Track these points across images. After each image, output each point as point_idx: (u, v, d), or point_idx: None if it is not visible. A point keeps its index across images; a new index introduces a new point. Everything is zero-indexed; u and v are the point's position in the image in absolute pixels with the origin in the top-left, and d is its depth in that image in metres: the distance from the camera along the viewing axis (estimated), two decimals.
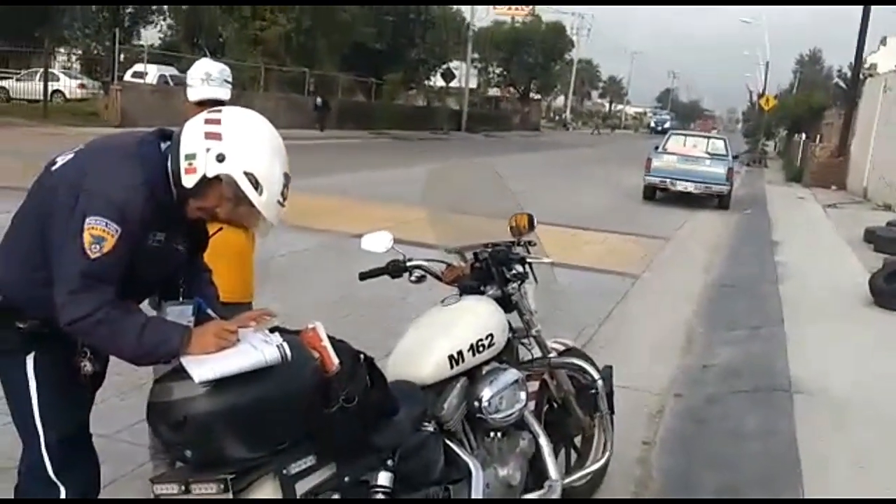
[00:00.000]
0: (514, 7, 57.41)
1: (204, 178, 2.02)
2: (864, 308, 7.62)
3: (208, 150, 2.02)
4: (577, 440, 3.67)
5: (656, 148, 18.81)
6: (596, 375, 3.34)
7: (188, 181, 2.04)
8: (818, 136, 31.85)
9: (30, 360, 2.16)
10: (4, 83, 32.45)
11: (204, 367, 1.96)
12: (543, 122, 71.99)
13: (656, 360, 5.98)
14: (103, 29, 40.71)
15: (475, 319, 2.93)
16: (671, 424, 4.78)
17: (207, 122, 2.06)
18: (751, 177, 29.09)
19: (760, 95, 46.34)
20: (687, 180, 17.25)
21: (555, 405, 3.49)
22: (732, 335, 6.73)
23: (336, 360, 2.19)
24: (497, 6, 55.94)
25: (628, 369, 5.64)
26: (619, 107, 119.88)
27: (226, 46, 36.07)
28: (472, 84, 58.44)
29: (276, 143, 2.12)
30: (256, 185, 2.04)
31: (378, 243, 3.17)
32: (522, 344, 3.25)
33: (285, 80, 34.74)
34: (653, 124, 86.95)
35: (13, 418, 2.28)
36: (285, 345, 2.04)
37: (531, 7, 57.68)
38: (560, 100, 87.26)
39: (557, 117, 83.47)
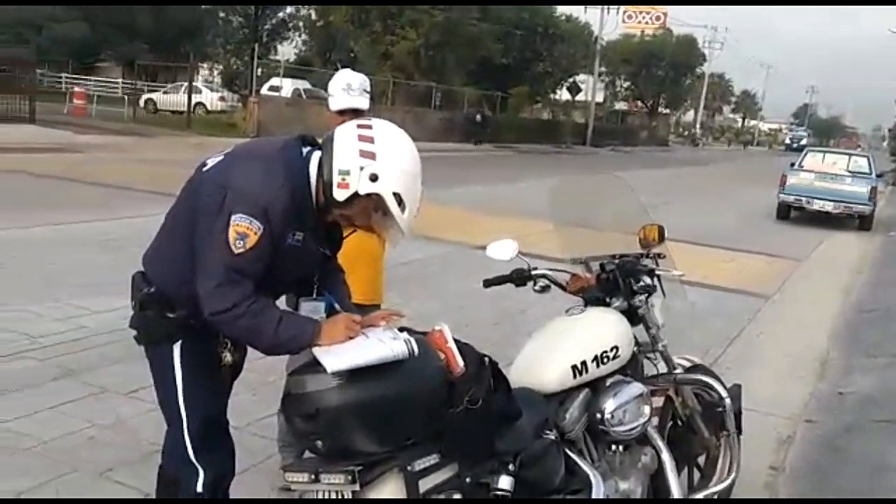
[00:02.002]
0: (644, 21, 56.35)
1: (356, 194, 2.14)
2: None
3: (362, 168, 2.13)
4: (701, 460, 3.57)
5: (792, 165, 18.00)
6: (724, 393, 3.25)
7: (340, 195, 2.15)
8: None
9: (176, 349, 2.32)
10: (153, 95, 34.66)
11: (335, 358, 2.05)
12: (672, 137, 70.26)
13: (787, 384, 5.74)
14: (243, 45, 42.97)
15: (600, 330, 2.91)
16: (802, 451, 4.57)
17: (361, 139, 2.16)
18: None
19: None
20: (825, 199, 16.39)
21: (679, 422, 3.41)
22: (872, 362, 6.36)
23: (461, 362, 2.24)
24: (626, 21, 55.13)
25: (756, 392, 5.44)
26: (753, 122, 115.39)
27: (357, 61, 37.25)
28: (599, 98, 57.77)
29: (417, 163, 2.23)
30: (401, 202, 2.16)
31: (503, 251, 3.19)
32: (648, 358, 3.20)
33: (412, 94, 35.47)
34: (788, 141, 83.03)
35: (160, 403, 2.45)
36: (412, 340, 2.11)
37: (661, 20, 56.40)
38: (689, 114, 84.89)
39: (686, 132, 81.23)
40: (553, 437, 2.61)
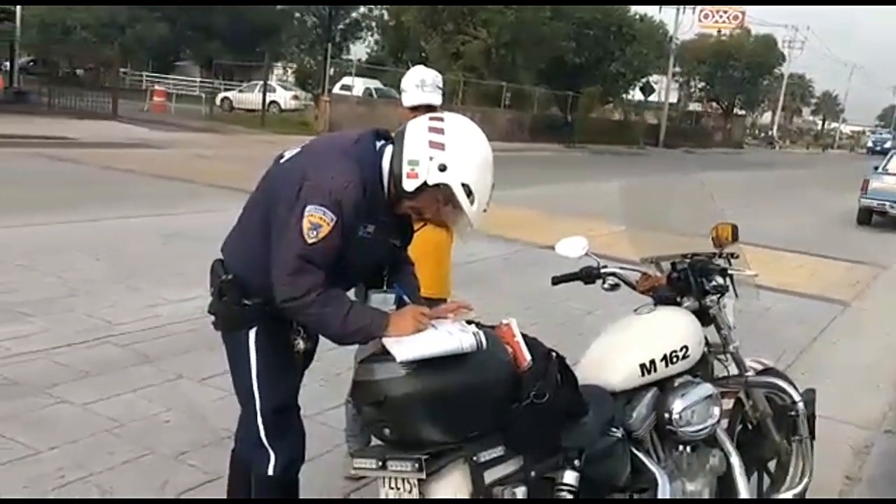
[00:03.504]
0: (721, 20, 55.11)
1: (424, 184, 2.16)
2: None
3: (431, 158, 2.15)
4: (772, 465, 3.49)
5: (875, 168, 17.36)
6: (797, 397, 3.17)
7: (409, 185, 2.18)
8: None
9: (252, 335, 2.39)
10: (229, 94, 35.53)
11: (404, 348, 2.08)
12: (747, 139, 68.54)
13: (864, 394, 5.55)
14: (316, 45, 43.65)
15: (670, 330, 2.88)
16: (880, 462, 4.42)
17: (431, 130, 2.19)
18: None
19: None
20: None
21: (749, 426, 3.35)
22: None
23: (528, 357, 2.25)
24: (702, 21, 54.02)
25: (831, 399, 5.26)
26: (833, 125, 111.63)
27: (428, 60, 37.45)
28: (673, 98, 56.78)
29: (488, 155, 2.24)
30: (470, 194, 2.17)
31: (572, 248, 3.18)
32: (718, 359, 3.15)
33: (482, 93, 35.47)
34: (871, 143, 79.84)
35: (234, 387, 2.52)
36: (481, 333, 2.13)
37: (739, 20, 55.05)
38: (766, 116, 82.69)
39: (763, 134, 79.13)
40: (619, 436, 2.60)
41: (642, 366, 2.74)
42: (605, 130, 41.55)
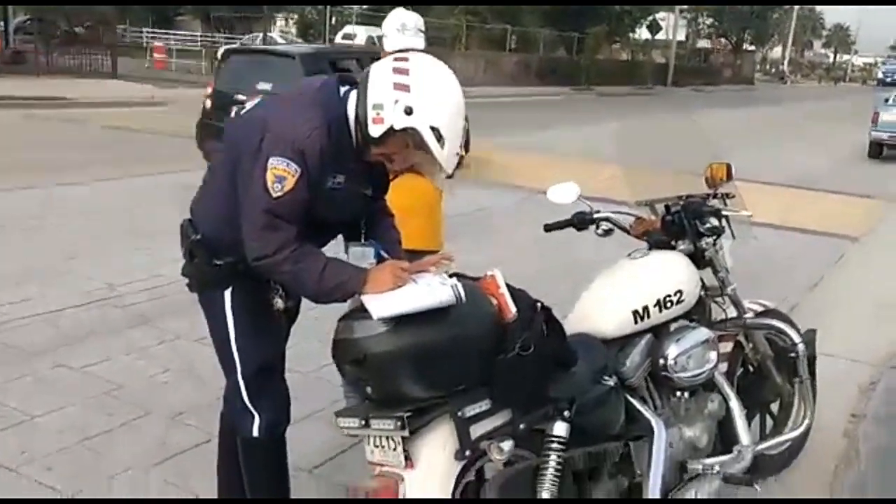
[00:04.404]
0: None
1: (391, 129, 2.06)
2: None
3: (396, 101, 2.04)
4: (774, 407, 3.45)
5: (886, 100, 17.02)
6: (797, 338, 3.10)
7: (375, 131, 2.08)
8: None
9: (227, 295, 2.33)
10: (230, 47, 35.04)
11: (381, 305, 2.02)
12: (758, 75, 67.36)
13: (873, 330, 5.49)
14: None
15: (663, 274, 2.80)
16: (887, 398, 4.36)
17: (395, 71, 2.08)
18: None
19: None
20: None
21: (750, 368, 3.29)
22: None
23: (513, 308, 2.18)
24: None
25: (840, 337, 5.24)
26: (846, 57, 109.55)
27: (430, 6, 36.76)
28: (680, 36, 55.70)
29: (458, 96, 2.13)
30: (440, 138, 2.07)
31: (564, 195, 3.11)
32: (716, 302, 3.08)
33: (486, 37, 34.92)
34: (881, 75, 78.20)
35: (216, 350, 2.47)
36: (459, 286, 2.06)
37: None
38: (777, 51, 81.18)
39: (774, 70, 77.83)
40: (612, 384, 2.54)
41: (635, 312, 2.68)
42: (612, 71, 40.93)
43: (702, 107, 26.97)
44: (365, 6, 39.41)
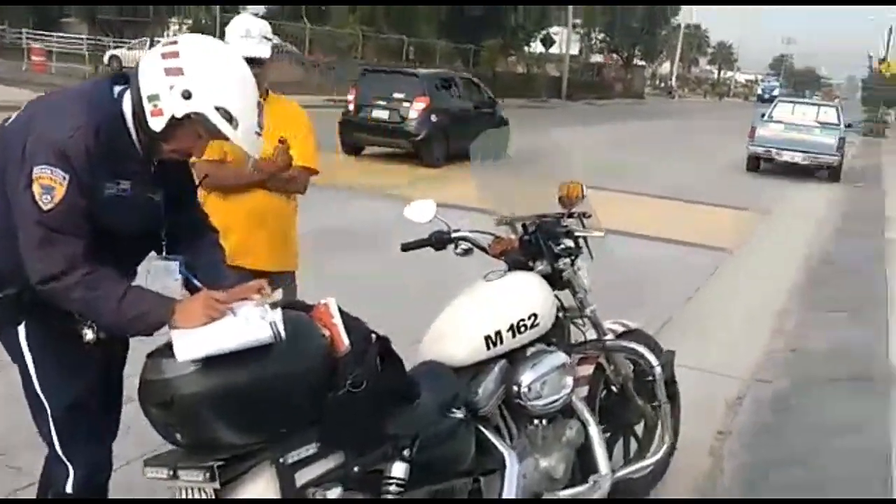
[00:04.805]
0: None
1: (173, 118, 1.86)
2: None
3: (171, 87, 1.84)
4: (640, 429, 3.40)
5: (762, 116, 17.80)
6: (654, 361, 3.05)
7: (156, 124, 1.88)
8: None
9: (21, 331, 2.06)
10: (118, 52, 33.73)
11: (188, 344, 1.81)
12: (648, 89, 69.69)
13: (742, 343, 5.59)
14: None
15: (517, 297, 2.69)
16: (751, 413, 4.42)
17: (165, 56, 1.88)
18: (866, 147, 27.33)
19: (881, 61, 43.54)
20: (794, 150, 16.24)
21: (613, 390, 3.23)
22: (829, 318, 6.23)
23: (346, 340, 2.01)
24: None
25: (710, 351, 5.33)
26: (729, 74, 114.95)
27: (327, 15, 36.36)
28: (574, 50, 57.05)
29: (243, 71, 1.95)
30: (230, 118, 1.88)
31: (422, 213, 2.97)
32: (575, 324, 3.00)
33: (383, 47, 34.75)
34: (760, 91, 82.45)
35: (24, 393, 2.19)
36: (279, 322, 1.86)
37: None
38: (665, 66, 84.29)
39: (662, 85, 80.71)
40: (461, 415, 2.41)
41: (487, 338, 2.56)
42: (508, 84, 41.42)
43: (595, 120, 27.59)
44: (262, 11, 38.67)
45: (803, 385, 4.83)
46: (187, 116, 1.86)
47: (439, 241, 2.98)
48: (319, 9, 37.34)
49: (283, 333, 1.85)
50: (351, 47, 32.37)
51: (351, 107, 13.84)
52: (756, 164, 16.94)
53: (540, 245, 2.83)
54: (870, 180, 16.65)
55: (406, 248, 3.04)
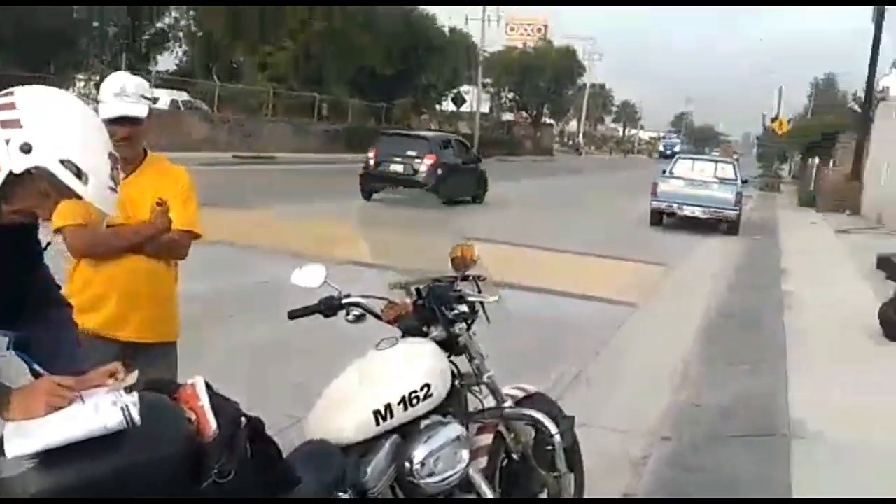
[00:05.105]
0: (525, 33, 57.51)
1: (10, 175, 1.67)
2: (874, 341, 7.19)
3: (8, 141, 1.66)
4: (545, 495, 3.28)
5: (664, 172, 18.42)
6: (553, 429, 2.95)
7: None
8: (832, 161, 31.36)
9: None
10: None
11: (22, 438, 1.61)
12: (556, 146, 71.59)
13: (647, 399, 5.58)
14: (120, 55, 40.92)
15: (409, 367, 2.57)
16: (657, 472, 4.37)
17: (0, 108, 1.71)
18: (763, 201, 28.62)
19: (774, 119, 45.96)
20: (694, 205, 16.84)
21: (514, 458, 3.11)
22: (731, 371, 6.32)
23: (213, 424, 1.84)
24: (508, 34, 56.08)
25: (616, 408, 5.31)
26: (633, 131, 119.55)
27: (239, 72, 36.15)
28: (484, 108, 58.31)
29: (92, 122, 1.79)
30: (79, 173, 1.69)
31: (310, 278, 2.84)
32: (472, 392, 2.89)
33: (295, 105, 34.68)
34: (662, 148, 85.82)
35: None
36: (132, 406, 1.68)
37: (542, 32, 57.72)
38: (573, 124, 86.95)
39: (570, 142, 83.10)
40: (348, 497, 2.25)
41: (377, 412, 2.42)
42: None
43: (506, 176, 27.97)
44: (172, 67, 38.14)
45: (707, 441, 4.83)
46: (28, 172, 1.67)
47: (329, 307, 2.84)
48: (231, 66, 37.11)
49: (136, 419, 1.66)
50: (261, 105, 32.17)
51: (371, 162, 17.86)
52: (659, 218, 17.44)
53: (434, 310, 2.73)
54: (766, 233, 17.35)
55: (293, 315, 2.89)
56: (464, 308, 2.75)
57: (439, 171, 17.70)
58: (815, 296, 9.39)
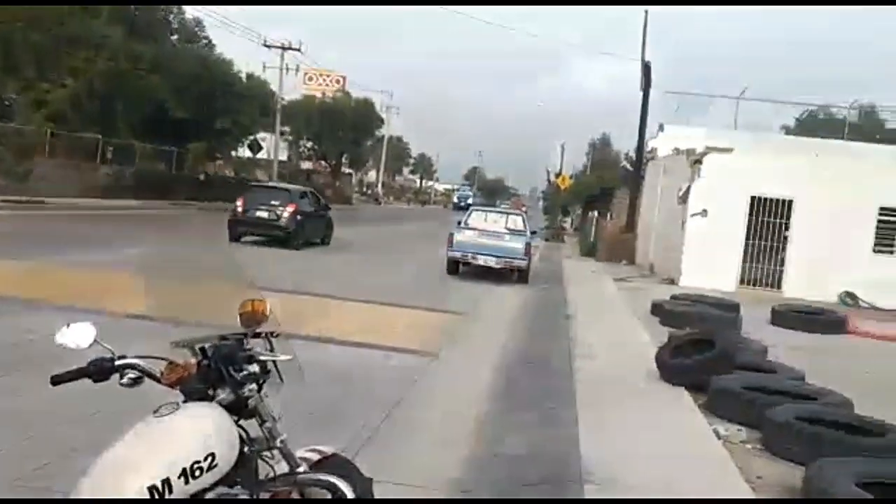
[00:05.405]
0: (324, 83, 57.77)
1: None
2: (652, 384, 7.67)
3: None
4: None
5: (459, 223, 18.98)
6: (349, 493, 2.80)
7: None
8: (609, 214, 33.88)
9: None
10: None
11: None
12: (356, 195, 72.03)
13: (446, 451, 5.55)
14: None
15: (191, 436, 2.34)
16: None
17: None
18: (549, 251, 30.30)
19: (557, 175, 49.21)
20: (487, 255, 17.45)
21: None
22: (524, 418, 6.47)
23: None
24: (307, 84, 56.08)
25: (414, 463, 5.24)
26: (430, 182, 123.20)
27: (11, 110, 33.26)
28: (283, 156, 57.59)
29: None
30: None
31: (78, 337, 2.54)
32: (263, 458, 2.69)
33: (76, 146, 32.36)
34: (456, 200, 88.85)
35: None
36: None
37: (341, 83, 58.32)
38: (372, 174, 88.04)
39: (370, 191, 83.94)
40: None
41: (153, 489, 2.17)
42: (216, 187, 40.55)
43: None
44: None
45: (504, 492, 4.86)
46: None
47: (100, 370, 2.56)
48: (3, 105, 34.06)
49: None
50: (36, 146, 29.73)
51: (240, 209, 20.77)
52: (455, 267, 17.88)
53: (221, 371, 2.52)
54: (554, 282, 18.30)
55: (57, 381, 2.57)
56: (254, 368, 2.56)
57: (298, 218, 20.81)
58: (599, 341, 9.92)
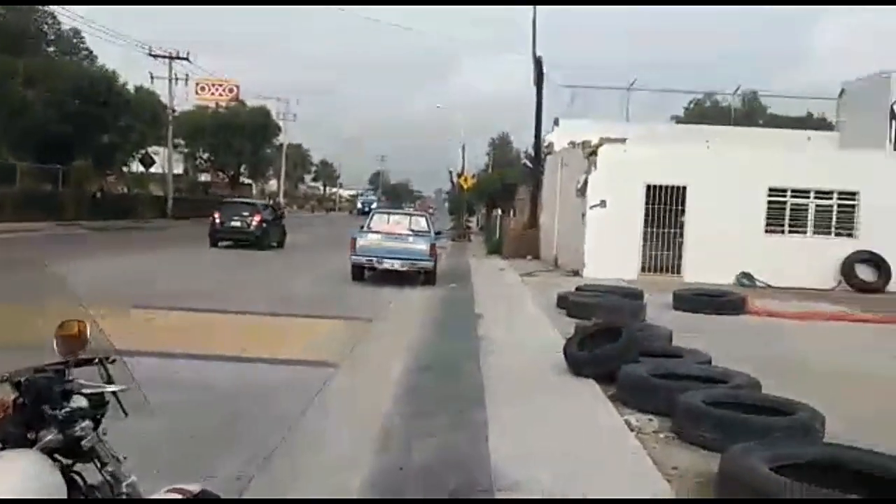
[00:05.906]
0: (217, 93, 56.12)
1: None
2: (561, 377, 7.49)
3: None
4: None
5: (361, 228, 18.56)
6: None
7: None
8: (512, 211, 34.00)
9: None
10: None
11: None
12: None
13: (348, 466, 5.17)
14: None
15: None
16: None
17: None
18: (456, 251, 30.19)
19: (460, 175, 49.28)
20: (392, 258, 17.08)
21: None
22: (432, 424, 6.14)
23: None
24: (199, 94, 54.37)
25: (316, 482, 4.85)
26: (334, 189, 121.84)
27: None
28: (178, 169, 55.72)
29: None
30: None
31: None
32: None
33: None
34: (360, 205, 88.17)
35: None
36: None
37: (235, 93, 56.81)
38: (273, 183, 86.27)
39: (272, 201, 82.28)
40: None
41: None
42: (108, 204, 38.80)
43: (195, 240, 26.61)
44: None
45: None
46: None
47: None
48: None
49: None
50: None
51: (218, 221, 26.43)
52: (360, 273, 17.45)
53: (39, 410, 2.08)
54: (461, 281, 18.09)
55: None
56: (81, 402, 2.13)
57: (264, 225, 26.55)
58: (507, 338, 9.73)
